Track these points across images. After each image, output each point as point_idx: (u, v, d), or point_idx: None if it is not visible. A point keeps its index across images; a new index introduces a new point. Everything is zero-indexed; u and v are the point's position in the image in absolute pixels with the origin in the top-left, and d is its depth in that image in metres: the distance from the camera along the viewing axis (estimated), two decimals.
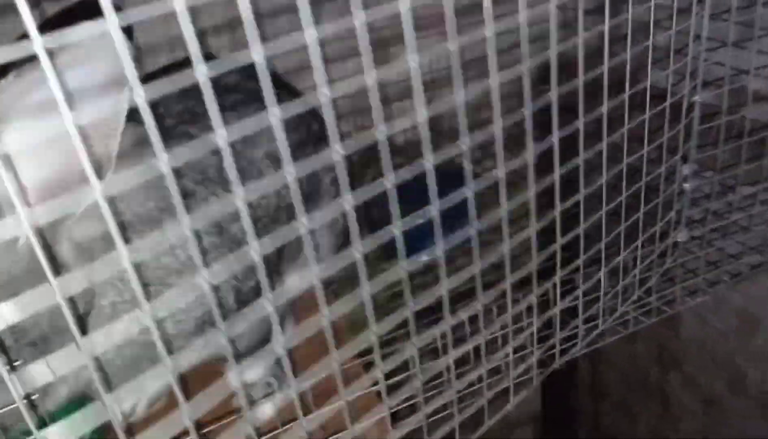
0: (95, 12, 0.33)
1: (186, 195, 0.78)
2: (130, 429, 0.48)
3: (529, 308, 0.82)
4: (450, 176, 1.22)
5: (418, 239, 1.22)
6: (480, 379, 0.83)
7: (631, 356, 2.00)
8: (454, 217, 1.20)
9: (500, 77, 0.59)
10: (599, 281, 0.94)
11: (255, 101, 0.83)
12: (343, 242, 1.00)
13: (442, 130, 0.65)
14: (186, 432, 0.47)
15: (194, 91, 0.39)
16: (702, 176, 0.99)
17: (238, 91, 0.88)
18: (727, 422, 1.69)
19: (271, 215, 0.86)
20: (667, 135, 0.88)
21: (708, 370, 1.70)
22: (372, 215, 1.23)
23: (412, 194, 1.20)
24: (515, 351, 0.89)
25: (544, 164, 0.71)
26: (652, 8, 0.72)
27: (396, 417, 0.83)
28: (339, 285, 0.87)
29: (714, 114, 0.98)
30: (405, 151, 1.33)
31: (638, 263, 0.98)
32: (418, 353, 0.70)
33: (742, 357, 1.57)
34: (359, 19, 0.43)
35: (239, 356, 0.49)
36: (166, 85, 0.35)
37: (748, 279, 1.06)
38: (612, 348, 2.09)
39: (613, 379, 2.12)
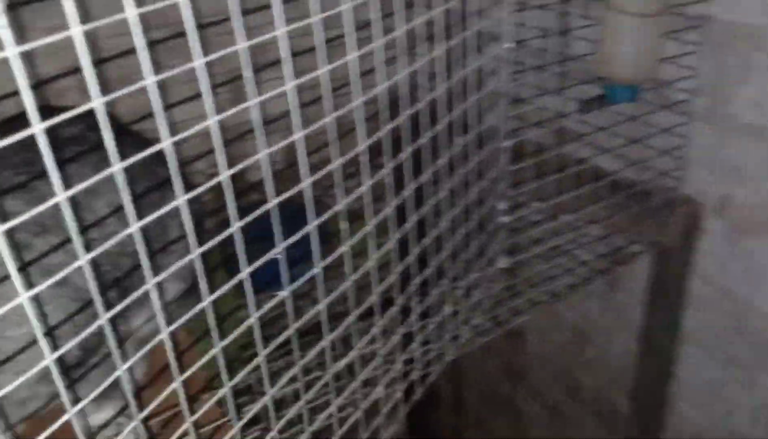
0: None
1: (22, 248, 0.77)
2: None
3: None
4: (301, 210, 1.27)
5: (275, 270, 1.26)
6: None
7: (485, 373, 2.12)
8: (307, 249, 1.24)
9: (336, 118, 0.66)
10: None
11: (96, 151, 0.84)
12: (192, 284, 1.02)
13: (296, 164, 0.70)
14: None
15: (32, 142, 0.39)
16: (528, 208, 1.10)
17: (79, 142, 0.89)
18: (568, 426, 1.84)
19: (113, 262, 0.87)
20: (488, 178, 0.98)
21: (549, 380, 1.85)
22: (227, 251, 1.25)
23: (268, 228, 1.24)
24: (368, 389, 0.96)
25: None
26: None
27: None
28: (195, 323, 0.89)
29: (538, 152, 1.11)
30: (260, 186, 1.37)
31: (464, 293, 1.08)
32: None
33: (576, 368, 1.72)
34: (199, 63, 0.47)
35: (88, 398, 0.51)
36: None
37: (565, 298, 1.18)
38: (469, 368, 2.22)
39: (471, 396, 2.24)
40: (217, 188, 0.60)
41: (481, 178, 1.01)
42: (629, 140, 1.15)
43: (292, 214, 1.26)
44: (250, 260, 1.22)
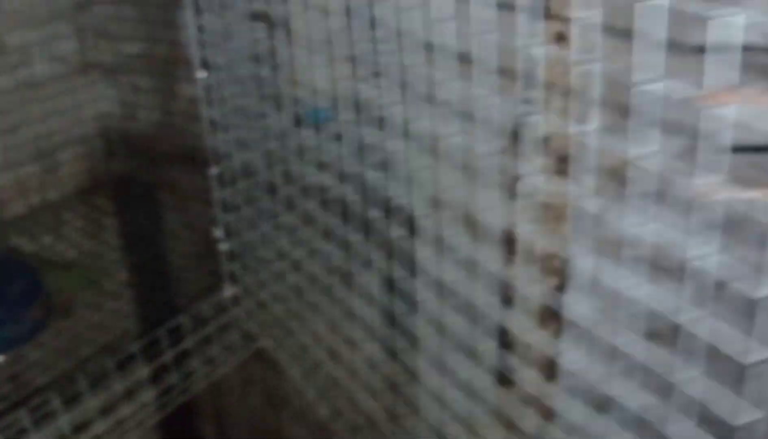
0: None
1: None
2: None
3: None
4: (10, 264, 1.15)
5: None
6: None
7: (250, 409, 2.08)
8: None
9: None
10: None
11: None
12: None
13: None
14: None
15: None
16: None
17: None
18: None
19: None
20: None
21: (311, 401, 1.86)
22: None
23: None
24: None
25: None
26: None
27: None
28: None
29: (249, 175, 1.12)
30: None
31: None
32: None
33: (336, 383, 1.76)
34: None
35: None
36: None
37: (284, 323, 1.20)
38: (233, 407, 2.16)
39: (237, 434, 2.17)
40: None
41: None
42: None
43: (2, 274, 1.14)
44: None
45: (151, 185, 1.65)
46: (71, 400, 0.96)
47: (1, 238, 1.43)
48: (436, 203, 0.92)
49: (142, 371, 1.00)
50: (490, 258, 0.80)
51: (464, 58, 0.70)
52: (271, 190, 1.09)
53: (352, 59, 0.86)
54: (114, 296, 1.34)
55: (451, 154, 0.79)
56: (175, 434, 2.23)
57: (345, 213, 1.14)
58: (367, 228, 1.03)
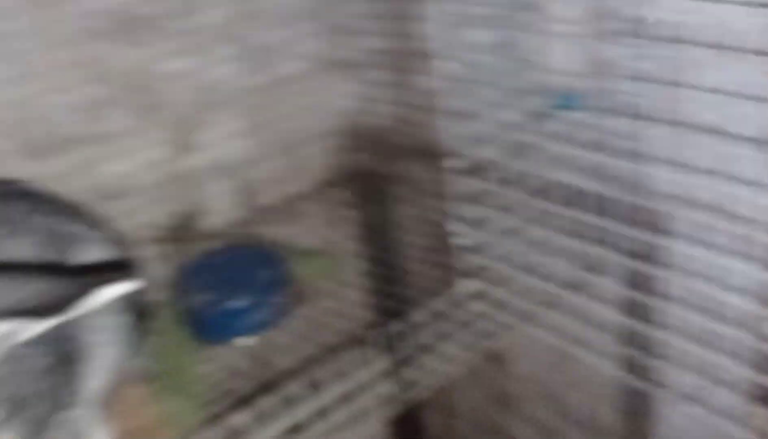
0: None
1: None
2: None
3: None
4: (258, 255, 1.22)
5: (231, 322, 1.21)
6: None
7: (475, 403, 2.06)
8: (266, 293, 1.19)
9: None
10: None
11: None
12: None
13: None
14: None
15: None
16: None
17: None
18: None
19: None
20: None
21: (541, 403, 1.79)
22: (181, 304, 1.20)
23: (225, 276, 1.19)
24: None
25: None
26: None
27: None
28: None
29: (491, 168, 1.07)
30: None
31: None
32: None
33: (563, 387, 1.67)
34: None
35: None
36: None
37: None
38: (458, 399, 2.15)
39: (462, 429, 2.17)
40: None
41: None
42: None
43: (249, 260, 1.21)
44: (207, 310, 1.17)
45: (388, 179, 1.68)
46: (312, 386, 0.98)
47: (252, 226, 1.53)
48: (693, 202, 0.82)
49: (380, 363, 1.00)
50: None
51: None
52: (510, 183, 1.03)
53: (610, 38, 0.78)
54: (352, 286, 1.37)
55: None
56: (400, 422, 2.27)
57: (591, 209, 1.05)
58: (613, 225, 0.94)
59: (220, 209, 1.55)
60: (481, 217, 1.01)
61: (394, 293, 1.27)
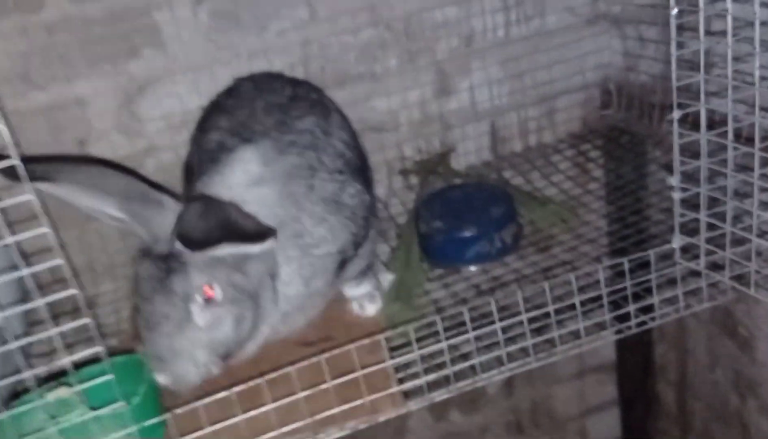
0: None
1: None
2: None
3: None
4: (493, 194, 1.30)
5: (459, 250, 1.31)
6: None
7: (712, 384, 1.94)
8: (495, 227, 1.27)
9: None
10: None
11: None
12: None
13: None
14: None
15: None
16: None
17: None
18: None
19: None
20: None
21: None
22: (420, 229, 1.33)
23: (460, 209, 1.30)
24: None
25: None
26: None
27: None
28: None
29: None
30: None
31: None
32: None
33: None
34: None
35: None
36: None
37: None
38: (696, 379, 2.04)
39: (698, 408, 2.05)
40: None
41: None
42: None
43: (483, 197, 1.30)
44: (442, 237, 1.29)
45: (641, 137, 1.63)
46: (534, 320, 1.03)
47: (497, 170, 1.60)
48: None
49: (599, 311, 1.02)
50: None
51: None
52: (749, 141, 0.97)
53: None
54: (581, 239, 1.38)
55: None
56: (634, 393, 2.23)
57: None
58: None
59: (469, 151, 1.65)
60: (711, 173, 0.97)
61: (625, 253, 1.26)
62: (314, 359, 0.92)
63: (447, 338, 0.95)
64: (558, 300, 1.00)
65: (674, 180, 0.96)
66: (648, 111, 1.59)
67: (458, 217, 1.31)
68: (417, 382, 0.97)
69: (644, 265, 1.03)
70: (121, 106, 1.43)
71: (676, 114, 0.91)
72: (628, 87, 1.66)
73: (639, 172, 1.57)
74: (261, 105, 1.13)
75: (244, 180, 1.01)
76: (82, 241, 1.47)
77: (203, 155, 1.10)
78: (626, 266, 0.99)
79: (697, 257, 1.02)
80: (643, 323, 1.03)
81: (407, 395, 0.99)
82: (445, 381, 0.98)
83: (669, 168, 0.97)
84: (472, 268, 1.32)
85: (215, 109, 1.22)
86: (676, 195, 0.97)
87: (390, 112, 1.56)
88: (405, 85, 1.56)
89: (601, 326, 1.02)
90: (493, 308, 0.92)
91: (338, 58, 1.51)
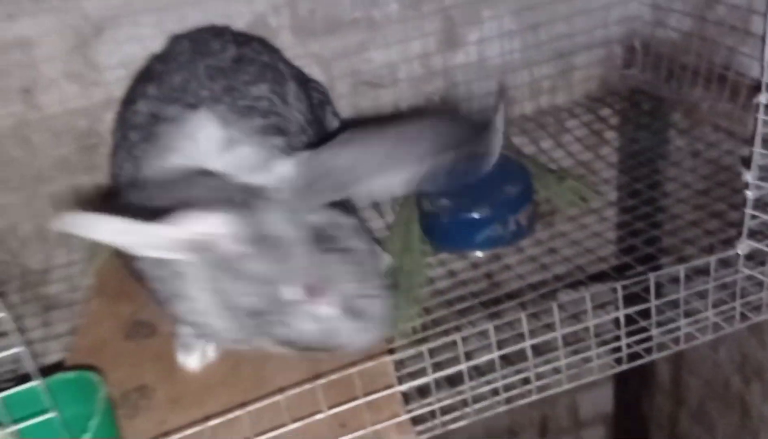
0: None
1: None
2: None
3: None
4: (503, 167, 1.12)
5: (468, 232, 1.14)
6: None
7: (714, 364, 1.83)
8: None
9: None
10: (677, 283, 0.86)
11: None
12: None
13: None
14: None
15: None
16: None
17: None
18: None
19: None
20: None
21: None
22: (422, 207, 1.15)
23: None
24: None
25: None
26: None
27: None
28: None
29: None
30: None
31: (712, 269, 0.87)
32: None
33: None
34: None
35: None
36: None
37: None
38: (694, 354, 1.94)
39: (694, 385, 1.96)
40: None
41: None
42: None
43: (495, 174, 1.12)
44: (448, 218, 1.11)
45: (666, 102, 1.46)
46: (533, 316, 0.89)
47: (508, 134, 1.42)
48: None
49: (614, 310, 0.88)
50: None
51: None
52: None
53: None
54: (600, 219, 1.22)
55: None
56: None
57: None
58: None
59: (478, 112, 1.47)
60: None
61: (648, 234, 1.10)
62: (307, 386, 0.76)
63: (467, 358, 0.79)
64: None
65: (750, 176, 0.79)
66: (677, 73, 1.41)
67: (468, 195, 1.13)
68: (428, 407, 0.81)
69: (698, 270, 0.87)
70: (73, 50, 1.21)
71: (764, 97, 0.73)
72: (656, 44, 1.47)
73: (662, 142, 1.40)
74: (201, 68, 0.92)
75: (210, 147, 0.81)
76: (32, 206, 1.27)
77: (130, 133, 0.90)
78: (681, 274, 0.83)
79: (762, 264, 0.87)
80: (693, 337, 0.88)
81: (416, 421, 0.83)
82: (461, 405, 0.82)
83: (745, 161, 0.80)
84: (479, 253, 1.15)
85: (143, 76, 1.00)
86: (751, 194, 0.80)
87: (388, 66, 1.37)
88: (406, 34, 1.35)
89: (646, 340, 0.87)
90: (556, 315, 0.76)
91: (330, 0, 1.30)
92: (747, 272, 0.87)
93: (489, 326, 0.79)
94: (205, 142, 0.82)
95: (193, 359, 0.95)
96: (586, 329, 0.86)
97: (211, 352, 0.96)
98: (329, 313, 0.77)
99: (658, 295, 0.84)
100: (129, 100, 0.98)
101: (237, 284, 0.76)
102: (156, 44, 1.21)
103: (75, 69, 1.22)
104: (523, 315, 0.79)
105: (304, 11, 1.29)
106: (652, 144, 1.39)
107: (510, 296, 1.07)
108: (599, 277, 1.11)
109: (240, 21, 1.26)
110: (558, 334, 0.81)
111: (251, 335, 0.80)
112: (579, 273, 1.13)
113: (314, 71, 1.32)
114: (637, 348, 0.87)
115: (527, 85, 1.47)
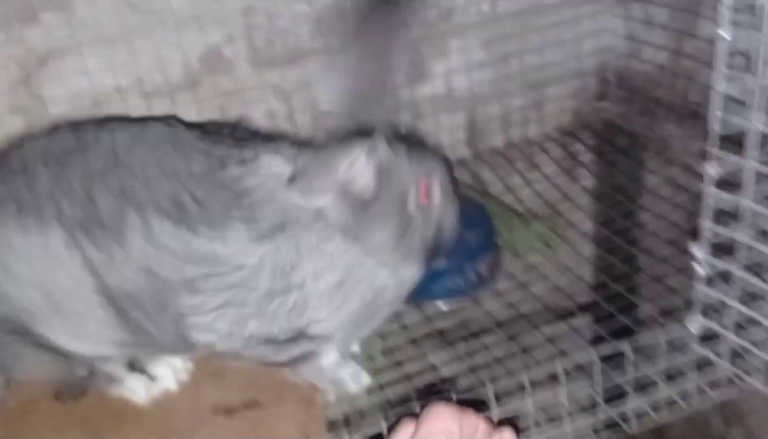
0: None
1: None
2: None
3: None
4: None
5: (425, 283, 1.08)
6: None
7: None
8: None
9: None
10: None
11: None
12: None
13: None
14: None
15: None
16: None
17: None
18: None
19: None
20: None
21: None
22: None
23: None
24: None
25: None
26: None
27: None
28: None
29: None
30: None
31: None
32: None
33: None
34: None
35: None
36: None
37: None
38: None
39: (676, 431, 1.91)
40: None
41: None
42: None
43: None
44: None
45: (639, 137, 1.40)
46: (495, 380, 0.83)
47: (476, 168, 1.37)
48: None
49: (585, 388, 0.82)
50: None
51: None
52: None
53: None
54: (569, 264, 1.16)
55: None
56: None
57: None
58: None
59: (446, 145, 1.41)
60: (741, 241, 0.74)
61: (621, 283, 1.04)
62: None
63: None
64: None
65: (699, 250, 0.73)
66: (651, 108, 1.35)
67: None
68: None
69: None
70: (17, 84, 1.15)
71: (713, 168, 0.67)
72: (630, 77, 1.42)
73: (635, 182, 1.35)
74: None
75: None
76: None
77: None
78: (628, 351, 0.77)
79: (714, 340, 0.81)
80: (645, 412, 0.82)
81: None
82: None
83: (692, 233, 0.74)
84: (441, 305, 1.09)
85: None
86: (702, 270, 0.74)
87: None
88: None
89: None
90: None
91: (289, 30, 1.24)
92: (699, 351, 0.80)
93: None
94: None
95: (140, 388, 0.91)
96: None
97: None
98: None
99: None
100: None
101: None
102: (104, 78, 1.16)
103: (19, 102, 1.17)
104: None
105: (262, 41, 1.23)
106: (626, 185, 1.33)
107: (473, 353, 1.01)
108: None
109: (192, 53, 1.20)
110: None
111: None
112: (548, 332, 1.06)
113: (273, 104, 1.27)
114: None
115: (497, 118, 1.41)
